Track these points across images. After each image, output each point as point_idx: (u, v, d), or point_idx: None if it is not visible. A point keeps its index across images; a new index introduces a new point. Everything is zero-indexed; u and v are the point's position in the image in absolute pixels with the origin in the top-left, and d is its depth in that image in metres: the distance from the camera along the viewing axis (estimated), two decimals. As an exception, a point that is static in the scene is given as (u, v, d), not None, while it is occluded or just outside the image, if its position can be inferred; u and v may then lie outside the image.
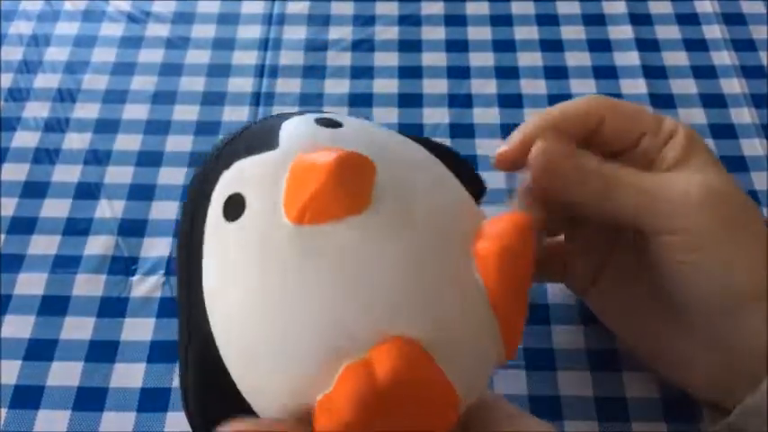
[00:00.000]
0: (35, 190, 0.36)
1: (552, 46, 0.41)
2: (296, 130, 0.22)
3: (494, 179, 0.32)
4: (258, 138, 0.23)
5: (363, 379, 0.19)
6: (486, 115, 0.38)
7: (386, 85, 0.39)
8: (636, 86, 0.39)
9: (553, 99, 0.38)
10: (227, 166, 0.22)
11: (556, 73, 0.40)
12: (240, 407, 0.21)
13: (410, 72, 0.40)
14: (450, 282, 0.21)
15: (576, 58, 0.40)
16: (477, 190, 0.26)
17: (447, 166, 0.24)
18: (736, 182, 0.26)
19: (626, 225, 0.26)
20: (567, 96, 0.39)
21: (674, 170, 0.25)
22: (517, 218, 0.22)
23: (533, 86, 0.39)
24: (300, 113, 0.24)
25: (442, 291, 0.20)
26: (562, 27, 0.42)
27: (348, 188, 0.20)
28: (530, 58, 0.40)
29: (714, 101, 0.38)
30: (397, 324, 0.19)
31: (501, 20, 0.42)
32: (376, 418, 0.19)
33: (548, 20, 0.42)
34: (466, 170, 0.26)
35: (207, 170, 0.23)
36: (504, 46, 0.41)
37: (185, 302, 0.23)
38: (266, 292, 0.20)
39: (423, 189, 0.22)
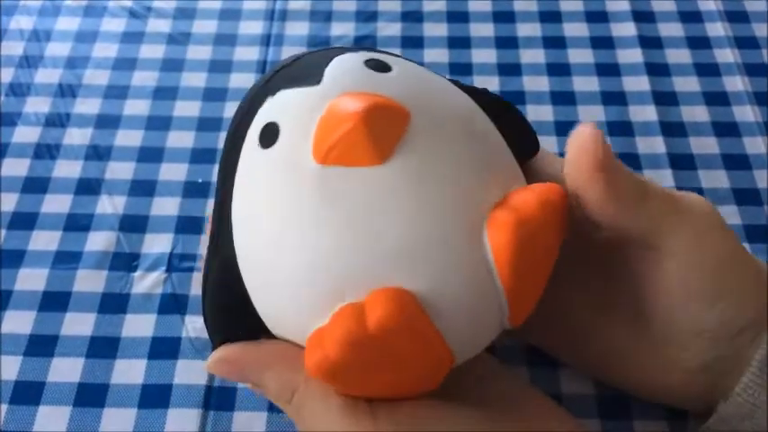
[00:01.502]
0: (36, 185, 0.35)
1: (555, 43, 0.41)
2: (342, 68, 0.23)
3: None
4: (306, 70, 0.23)
5: (353, 322, 0.19)
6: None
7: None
8: (639, 84, 0.39)
9: (555, 96, 0.38)
10: (272, 92, 0.23)
11: (558, 70, 0.40)
12: (254, 323, 0.23)
13: (412, 69, 0.40)
14: (458, 244, 0.20)
15: (579, 56, 0.40)
16: (528, 147, 0.26)
17: (499, 121, 0.24)
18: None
19: (630, 241, 0.24)
20: (570, 94, 0.39)
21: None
22: (547, 190, 0.21)
23: (536, 83, 0.39)
24: (354, 50, 0.24)
25: (447, 251, 0.20)
26: (565, 24, 0.42)
27: (374, 138, 0.20)
28: (532, 55, 0.40)
29: (717, 98, 0.38)
30: (398, 275, 0.20)
31: (503, 17, 0.42)
32: (362, 360, 0.20)
33: (550, 17, 0.42)
34: (519, 127, 0.26)
35: (255, 93, 0.24)
36: (506, 43, 0.41)
37: (216, 216, 0.24)
38: (283, 225, 0.21)
39: (455, 144, 0.22)
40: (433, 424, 0.22)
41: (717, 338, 0.23)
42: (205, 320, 0.24)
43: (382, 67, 0.23)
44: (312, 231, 0.21)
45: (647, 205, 0.23)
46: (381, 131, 0.20)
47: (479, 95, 0.25)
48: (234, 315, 0.23)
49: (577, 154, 0.23)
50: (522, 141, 0.25)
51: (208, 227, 0.26)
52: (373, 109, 0.20)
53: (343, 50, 0.24)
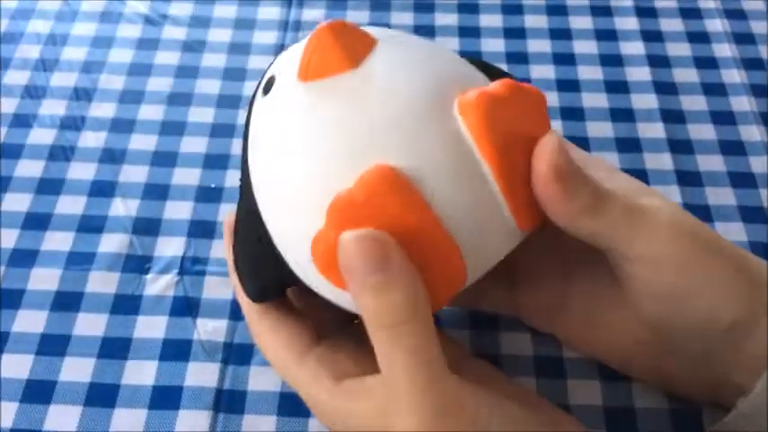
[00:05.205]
0: (50, 187, 0.36)
1: (564, 59, 0.41)
2: None
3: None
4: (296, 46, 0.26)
5: (343, 200, 0.21)
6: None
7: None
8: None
9: (565, 111, 0.39)
10: (275, 60, 0.26)
11: (565, 78, 0.40)
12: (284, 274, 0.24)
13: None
14: (432, 121, 0.22)
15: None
16: None
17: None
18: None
19: (596, 246, 0.24)
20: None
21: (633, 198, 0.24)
22: (514, 81, 0.23)
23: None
24: None
25: (424, 127, 0.22)
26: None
27: (342, 45, 0.23)
28: (542, 71, 0.41)
29: (724, 117, 0.39)
30: (380, 156, 0.21)
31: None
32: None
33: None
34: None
35: (269, 65, 0.27)
36: (516, 58, 0.42)
37: (241, 170, 0.25)
38: (278, 144, 0.23)
39: (423, 59, 0.24)
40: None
41: (705, 333, 0.24)
42: (239, 274, 0.25)
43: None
44: (302, 142, 0.23)
45: (605, 213, 0.23)
46: (350, 42, 0.23)
47: (473, 60, 0.26)
48: (263, 261, 0.24)
49: (537, 162, 0.23)
50: None
51: (225, 227, 0.27)
52: (340, 22, 0.23)
53: None
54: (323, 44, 0.23)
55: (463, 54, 0.41)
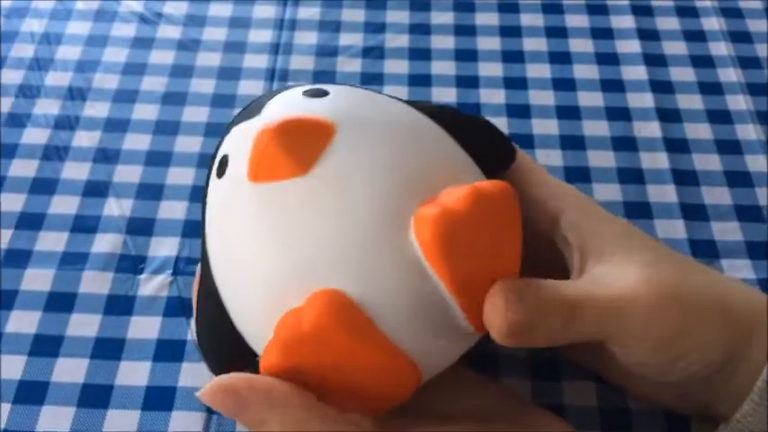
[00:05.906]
0: (44, 186, 0.36)
1: (561, 58, 0.41)
2: (281, 100, 0.24)
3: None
4: (254, 107, 0.25)
5: (290, 325, 0.21)
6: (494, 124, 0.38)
7: (395, 93, 0.39)
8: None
9: (561, 110, 0.39)
10: (229, 130, 0.25)
11: (564, 85, 0.40)
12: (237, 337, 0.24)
13: (419, 80, 0.40)
14: (384, 245, 0.21)
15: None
16: (503, 156, 0.26)
17: (465, 135, 0.24)
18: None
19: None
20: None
21: (605, 262, 0.24)
22: (480, 184, 0.21)
23: (541, 97, 0.39)
24: (301, 85, 0.26)
25: (375, 253, 0.21)
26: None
27: (289, 150, 0.21)
28: (538, 70, 0.41)
29: (720, 117, 0.39)
30: (332, 280, 0.21)
31: (510, 31, 0.43)
32: (308, 363, 0.21)
33: (557, 32, 0.43)
34: (490, 139, 0.26)
35: (222, 134, 0.26)
36: (512, 57, 0.41)
37: (201, 251, 0.25)
38: (232, 245, 0.23)
39: (381, 152, 0.22)
40: None
41: (693, 380, 0.24)
42: (201, 349, 0.26)
43: (319, 94, 0.24)
44: (254, 247, 0.22)
45: (581, 322, 0.23)
46: (299, 144, 0.22)
47: (442, 113, 0.25)
48: (227, 345, 0.24)
49: (490, 320, 0.22)
50: (494, 152, 0.26)
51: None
52: (287, 124, 0.22)
53: (289, 88, 0.25)
54: (267, 150, 0.21)
55: (459, 53, 0.41)
